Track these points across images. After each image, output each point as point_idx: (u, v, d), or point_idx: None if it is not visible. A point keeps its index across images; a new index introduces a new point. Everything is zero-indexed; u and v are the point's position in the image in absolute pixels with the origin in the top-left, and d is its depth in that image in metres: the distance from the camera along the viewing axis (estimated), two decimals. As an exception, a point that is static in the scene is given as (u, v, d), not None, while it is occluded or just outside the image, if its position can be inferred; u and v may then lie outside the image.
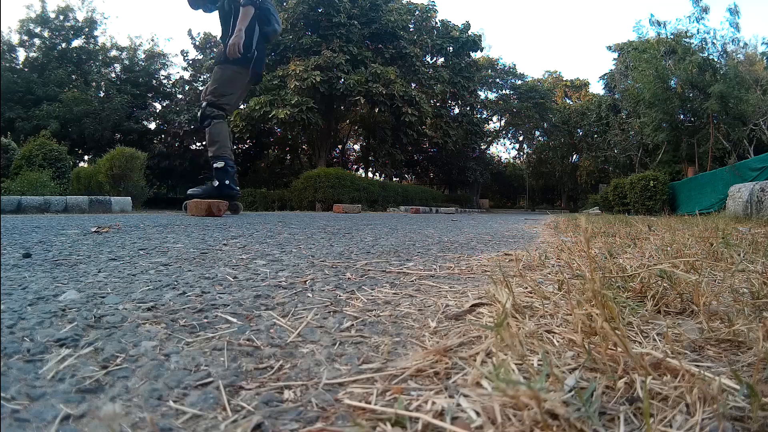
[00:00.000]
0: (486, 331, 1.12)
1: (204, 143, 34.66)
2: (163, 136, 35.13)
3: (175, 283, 1.65)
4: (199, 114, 7.04)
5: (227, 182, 7.21)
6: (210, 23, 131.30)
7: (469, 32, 34.74)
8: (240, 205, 7.64)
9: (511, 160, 64.88)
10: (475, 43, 34.74)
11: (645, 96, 24.02)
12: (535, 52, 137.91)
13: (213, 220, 5.53)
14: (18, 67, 36.66)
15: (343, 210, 12.43)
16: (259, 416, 0.78)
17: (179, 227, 4.13)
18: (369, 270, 2.06)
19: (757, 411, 0.74)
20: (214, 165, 7.14)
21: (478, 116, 41.84)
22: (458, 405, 0.79)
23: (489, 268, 2.16)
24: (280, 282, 1.72)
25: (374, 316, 1.33)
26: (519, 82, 48.81)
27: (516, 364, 0.91)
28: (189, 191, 7.23)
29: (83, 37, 39.73)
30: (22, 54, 38.04)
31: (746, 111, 21.33)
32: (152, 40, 54.68)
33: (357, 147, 42.85)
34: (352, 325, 1.24)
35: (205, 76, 31.99)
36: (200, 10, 7.37)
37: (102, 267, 1.93)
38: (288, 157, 38.70)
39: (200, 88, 33.72)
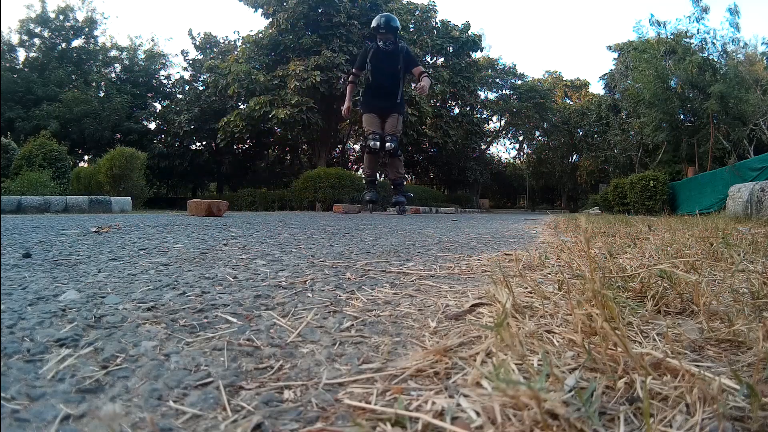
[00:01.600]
0: (486, 331, 1.12)
1: (201, 144, 34.95)
2: (163, 136, 35.14)
3: (175, 283, 1.65)
4: (392, 146, 9.34)
5: (411, 195, 10.73)
6: (210, 23, 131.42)
7: (469, 32, 34.67)
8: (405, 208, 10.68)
9: (511, 160, 64.84)
10: (475, 43, 34.70)
11: (645, 96, 24.02)
12: (535, 52, 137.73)
13: (213, 220, 5.54)
14: (18, 67, 36.75)
15: (343, 210, 12.40)
16: (259, 416, 0.78)
17: (179, 227, 4.13)
18: (369, 270, 2.06)
19: (757, 411, 0.74)
20: (403, 183, 9.99)
21: (478, 116, 41.78)
22: (458, 405, 0.79)
23: (489, 268, 2.16)
24: (280, 282, 1.72)
25: (374, 316, 1.33)
26: (519, 82, 48.76)
27: (516, 364, 0.91)
28: (395, 200, 10.19)
29: (83, 37, 39.81)
30: (22, 54, 38.17)
31: (746, 111, 21.35)
32: (152, 40, 54.78)
33: (357, 147, 42.83)
34: (352, 325, 1.24)
35: (205, 76, 31.94)
36: (381, 40, 9.30)
37: (102, 267, 1.94)
38: (288, 157, 38.69)
39: (200, 89, 33.79)
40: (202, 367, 0.95)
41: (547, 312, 1.28)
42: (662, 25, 27.63)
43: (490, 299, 1.43)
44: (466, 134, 37.43)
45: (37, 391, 0.84)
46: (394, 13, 28.14)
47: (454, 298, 1.54)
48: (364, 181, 10.35)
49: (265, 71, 26.66)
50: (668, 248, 2.44)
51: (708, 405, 0.77)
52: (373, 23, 9.39)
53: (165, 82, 41.43)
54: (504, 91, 49.23)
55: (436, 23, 34.95)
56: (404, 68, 9.57)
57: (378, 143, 9.39)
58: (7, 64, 35.11)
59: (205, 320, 1.23)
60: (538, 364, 0.92)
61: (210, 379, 0.90)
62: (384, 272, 2.02)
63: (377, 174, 10.28)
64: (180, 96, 36.39)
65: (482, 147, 46.00)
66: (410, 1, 33.57)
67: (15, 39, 37.88)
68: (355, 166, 39.52)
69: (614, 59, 41.61)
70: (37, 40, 38.29)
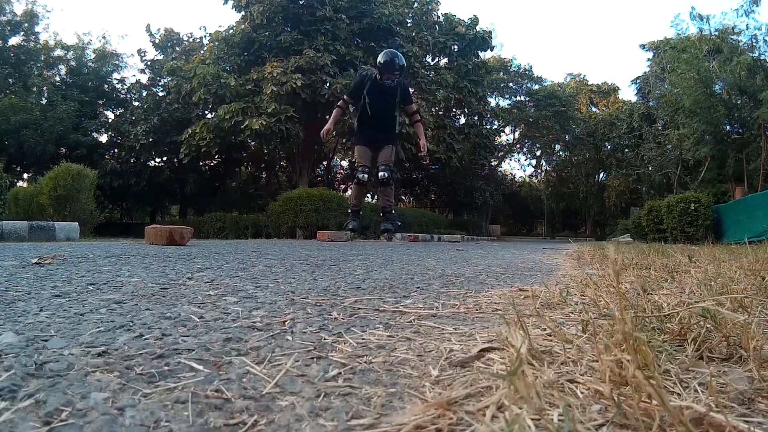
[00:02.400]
0: (497, 381, 1.12)
1: (161, 159, 34.91)
2: (116, 150, 35.15)
3: (131, 323, 1.65)
4: (385, 175, 10.23)
5: (399, 223, 11.31)
6: (172, 18, 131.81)
7: (478, 28, 34.73)
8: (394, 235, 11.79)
9: (527, 179, 65.14)
10: (485, 40, 34.78)
11: (685, 103, 24.10)
12: (555, 51, 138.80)
13: (175, 249, 5.53)
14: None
15: (329, 238, 12.43)
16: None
17: (135, 258, 4.12)
18: (359, 308, 2.06)
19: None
20: (393, 211, 10.81)
21: (488, 127, 41.73)
22: (465, 467, 0.79)
23: (501, 306, 2.16)
24: (254, 323, 1.72)
25: (365, 362, 1.33)
26: (536, 86, 49.04)
27: (533, 419, 0.91)
28: (383, 228, 10.92)
29: (22, 33, 39.89)
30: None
31: (805, 121, 21.41)
32: (103, 38, 55.09)
33: (345, 163, 42.88)
34: (340, 373, 1.24)
35: (167, 80, 32.03)
36: (388, 79, 10.07)
37: (44, 305, 1.93)
38: (263, 176, 38.77)
39: (160, 94, 33.87)
40: (162, 423, 0.95)
41: (569, 358, 1.28)
42: (705, 20, 27.82)
43: (501, 343, 1.43)
44: (473, 148, 37.38)
45: (-33, 452, 0.83)
46: (388, 5, 28.32)
47: (459, 341, 1.54)
48: (349, 210, 11.14)
49: (237, 74, 26.69)
50: (712, 283, 2.45)
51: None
52: (381, 60, 10.07)
53: (119, 86, 41.57)
54: (518, 98, 49.48)
55: (438, 17, 35.09)
56: (401, 103, 10.51)
57: (366, 176, 10.38)
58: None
59: (166, 368, 1.23)
60: (559, 420, 0.93)
61: (172, 438, 0.89)
62: (377, 311, 2.02)
63: (362, 205, 11.36)
64: (136, 103, 36.51)
65: (493, 163, 46.08)
66: (407, -9, 33.65)
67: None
68: (343, 186, 39.52)
69: (648, 60, 41.95)
70: (-35, 38, 38.37)
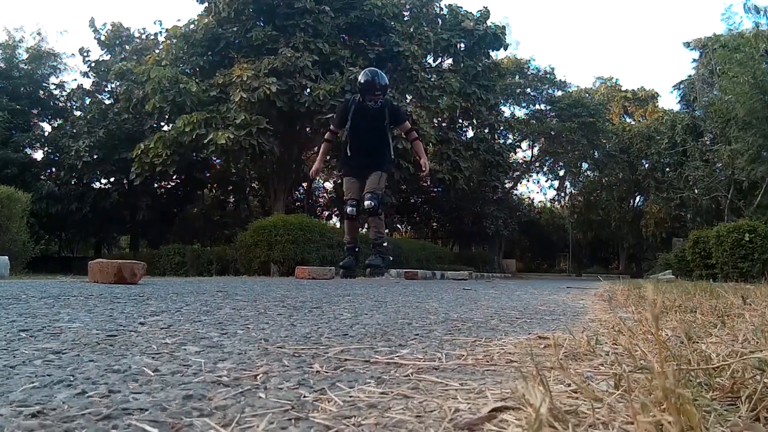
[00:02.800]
0: (512, 446, 1.13)
1: (108, 180, 34.88)
2: (53, 169, 35.14)
3: (72, 378, 1.64)
4: (372, 204, 10.72)
5: (391, 258, 12.24)
6: (121, 11, 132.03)
7: (488, 22, 34.58)
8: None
9: (548, 204, 65.22)
10: (497, 37, 34.66)
11: (738, 113, 24.11)
12: (581, 50, 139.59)
13: (125, 288, 5.52)
14: None
15: (310, 275, 12.40)
16: None
17: (77, 299, 4.12)
18: (346, 360, 2.06)
19: None
20: (383, 243, 11.38)
21: (501, 141, 41.88)
22: None
23: (516, 357, 2.17)
24: (219, 377, 1.72)
25: (354, 425, 1.33)
26: (559, 93, 49.07)
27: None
28: (368, 262, 11.45)
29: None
30: None
31: None
32: (39, 35, 54.88)
33: (329, 185, 42.96)
34: (323, 437, 1.24)
35: (115, 84, 32.07)
36: (371, 100, 10.77)
37: (-35, 356, 1.93)
38: (231, 200, 38.81)
39: (107, 102, 33.91)
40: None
41: (598, 419, 1.29)
42: (762, 13, 27.85)
43: (517, 401, 1.44)
44: (483, 167, 37.34)
45: None
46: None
47: (466, 399, 1.54)
48: (345, 248, 12.00)
49: (199, 78, 26.69)
50: (770, 329, 2.46)
51: None
52: (361, 79, 10.90)
53: (57, 93, 41.56)
54: (537, 106, 49.54)
55: (441, 10, 35.05)
56: (391, 123, 11.30)
57: (354, 209, 11.17)
58: None
59: (114, 431, 1.23)
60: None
61: None
62: (367, 363, 2.02)
63: (357, 241, 11.93)
64: (78, 113, 36.54)
65: (507, 185, 46.02)
66: (403, -20, 33.65)
67: None
68: (327, 213, 39.55)
69: (694, 61, 42.12)
70: None
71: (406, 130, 11.77)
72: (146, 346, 2.19)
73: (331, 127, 11.72)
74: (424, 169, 11.24)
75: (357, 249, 11.81)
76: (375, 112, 10.86)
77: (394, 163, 14.32)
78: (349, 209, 11.17)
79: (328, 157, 13.43)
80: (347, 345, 2.38)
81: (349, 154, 11.16)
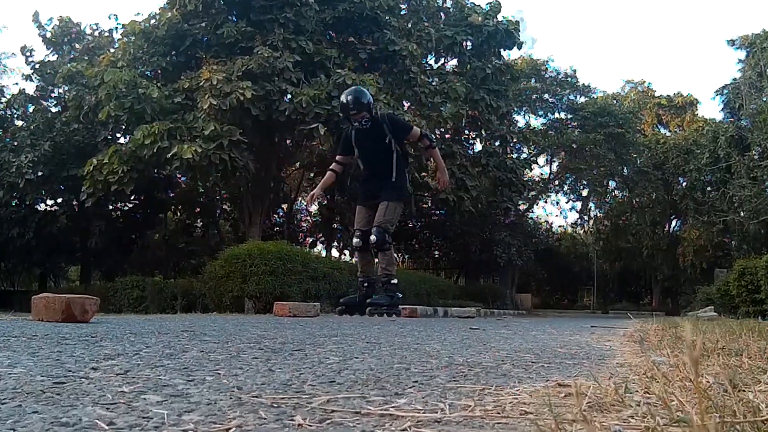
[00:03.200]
0: None
1: (55, 201, 34.83)
2: (-10, 189, 35.13)
3: (12, 433, 1.65)
4: (376, 239, 11.28)
5: (400, 295, 12.37)
6: (69, 4, 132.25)
7: (500, 17, 34.24)
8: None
9: (569, 229, 65.20)
10: (509, 34, 34.38)
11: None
12: (608, 49, 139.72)
13: (75, 328, 5.51)
14: None
15: (290, 311, 12.37)
16: None
17: (19, 340, 4.12)
18: (333, 411, 2.06)
19: None
20: (392, 281, 11.88)
21: (515, 156, 41.62)
22: None
23: (532, 407, 2.17)
24: (185, 431, 1.73)
25: (343, 487, 1.34)
26: (582, 99, 48.95)
27: None
28: (370, 300, 11.92)
29: None
30: None
31: None
32: (-29, 31, 55.24)
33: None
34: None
35: (64, 89, 32.00)
36: (355, 121, 11.36)
37: None
38: (199, 224, 38.80)
39: (53, 110, 33.89)
40: None
41: (627, 479, 1.29)
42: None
43: (533, 459, 1.44)
44: (493, 186, 37.15)
45: None
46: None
47: (474, 456, 1.55)
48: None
49: (162, 81, 26.45)
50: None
51: None
52: (342, 100, 11.68)
53: (-6, 99, 41.64)
54: (557, 115, 49.45)
55: (445, 2, 34.86)
56: (395, 140, 11.72)
57: (359, 240, 11.84)
58: None
59: (62, 495, 1.23)
60: None
61: None
62: (358, 415, 2.02)
63: (373, 274, 12.43)
64: (20, 123, 36.49)
65: (521, 207, 45.84)
66: (398, -31, 33.42)
67: None
68: (310, 239, 39.45)
69: (740, 61, 42.18)
70: None
71: (416, 139, 12.16)
72: (100, 395, 2.19)
73: (336, 157, 12.42)
74: (440, 185, 12.41)
75: (367, 284, 12.20)
76: (371, 132, 11.44)
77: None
78: (354, 240, 11.98)
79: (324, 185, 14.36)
80: (334, 394, 2.38)
81: (360, 183, 12.45)
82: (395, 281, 12.06)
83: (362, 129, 11.40)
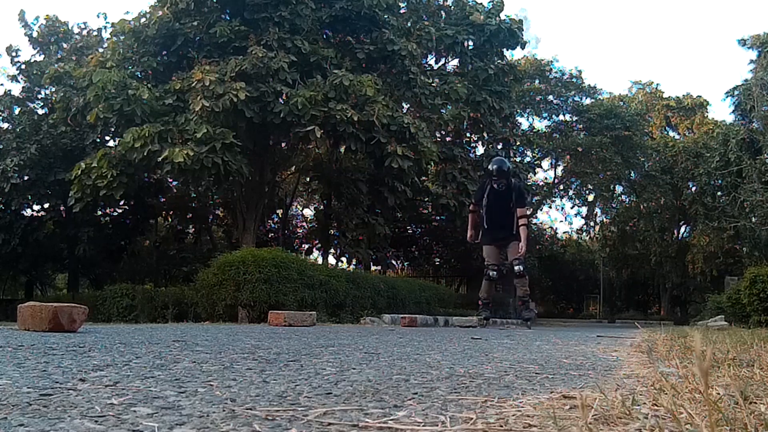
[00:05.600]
0: None
1: (42, 207, 34.75)
2: (-26, 194, 35.07)
3: (-4, 447, 1.64)
4: (521, 269, 15.79)
5: (536, 312, 17.45)
6: (55, 2, 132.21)
7: (502, 16, 33.90)
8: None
9: (574, 236, 65.14)
10: (512, 33, 34.11)
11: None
12: (614, 49, 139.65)
13: (63, 337, 5.51)
14: None
15: (286, 320, 12.37)
16: None
17: (4, 350, 4.11)
18: (330, 424, 2.06)
19: None
20: (529, 299, 16.87)
21: (518, 160, 41.49)
22: None
23: (536, 420, 2.17)
24: (177, 445, 1.72)
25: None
26: (588, 100, 48.75)
27: None
28: (524, 315, 17.79)
29: None
30: None
31: None
32: (-43, 30, 55.19)
33: (310, 212, 42.91)
34: None
35: (48, 91, 31.90)
36: (495, 183, 15.77)
37: None
38: (191, 230, 38.75)
39: (40, 112, 33.82)
40: None
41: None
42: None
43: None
44: (496, 191, 37.04)
45: None
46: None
47: (476, 471, 1.55)
48: (479, 303, 17.05)
49: (152, 82, 26.30)
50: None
51: None
52: (491, 167, 16.07)
53: (-23, 101, 41.58)
54: (562, 117, 49.34)
55: (446, 0, 34.87)
56: (514, 204, 15.78)
57: (496, 273, 16.15)
58: None
59: None
60: None
61: None
62: (356, 427, 2.02)
63: (492, 298, 17.45)
64: (5, 125, 36.46)
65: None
66: (397, -33, 33.27)
67: None
68: (306, 246, 39.35)
69: (751, 62, 42.07)
70: None
71: (521, 215, 15.87)
72: (88, 408, 2.19)
73: (474, 201, 17.23)
74: (516, 254, 15.83)
75: (491, 305, 17.11)
76: (503, 193, 15.69)
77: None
78: (491, 272, 16.15)
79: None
80: (331, 406, 2.38)
81: (486, 226, 16.08)
82: (530, 300, 16.90)
83: (496, 189, 15.63)
